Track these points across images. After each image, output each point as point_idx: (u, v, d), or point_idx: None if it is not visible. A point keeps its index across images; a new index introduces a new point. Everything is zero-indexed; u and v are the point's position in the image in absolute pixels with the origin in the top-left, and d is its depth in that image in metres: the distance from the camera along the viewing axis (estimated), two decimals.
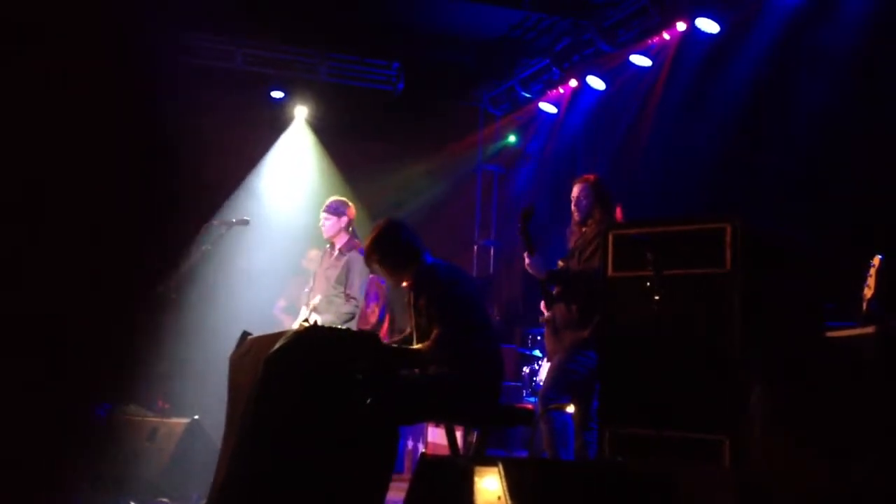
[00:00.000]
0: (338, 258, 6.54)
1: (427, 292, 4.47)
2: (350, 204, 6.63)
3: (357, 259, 6.40)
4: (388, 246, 4.62)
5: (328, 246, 6.66)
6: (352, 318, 6.33)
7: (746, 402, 3.79)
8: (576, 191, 5.47)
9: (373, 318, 7.90)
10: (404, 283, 4.75)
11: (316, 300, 6.59)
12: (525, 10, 8.37)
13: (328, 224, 6.53)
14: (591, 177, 5.52)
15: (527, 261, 5.27)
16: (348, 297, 6.37)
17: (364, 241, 6.56)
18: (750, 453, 3.74)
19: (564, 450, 5.11)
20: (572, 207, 5.48)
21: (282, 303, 7.48)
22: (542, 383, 5.98)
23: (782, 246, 4.39)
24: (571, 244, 5.47)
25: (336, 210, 6.53)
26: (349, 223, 6.54)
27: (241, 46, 9.05)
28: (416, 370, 4.58)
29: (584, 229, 5.39)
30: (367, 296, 7.73)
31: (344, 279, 6.40)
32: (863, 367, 3.73)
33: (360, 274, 6.41)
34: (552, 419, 5.11)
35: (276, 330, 5.77)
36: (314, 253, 8.13)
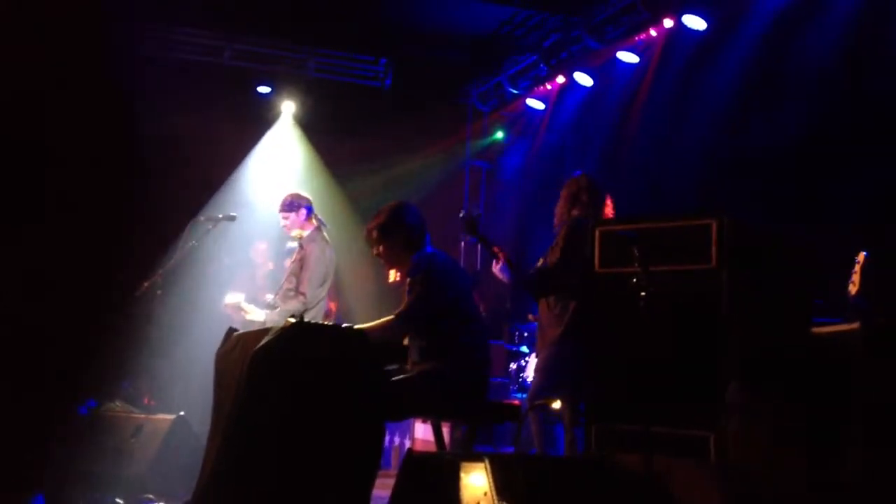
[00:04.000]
0: (299, 252, 6.38)
1: (421, 276, 4.49)
2: (304, 195, 6.43)
3: (312, 254, 6.23)
4: (393, 225, 4.64)
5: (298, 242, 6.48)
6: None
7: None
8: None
9: (331, 317, 7.83)
10: (398, 275, 4.76)
11: (270, 297, 6.51)
12: (515, 6, 8.38)
13: (288, 222, 6.35)
14: (571, 181, 5.51)
15: (494, 267, 5.32)
16: (297, 293, 6.18)
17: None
18: (731, 448, 3.75)
19: (553, 446, 5.12)
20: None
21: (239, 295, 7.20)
22: (528, 379, 5.98)
23: (769, 242, 4.40)
24: None
25: (291, 205, 6.34)
26: (309, 213, 6.35)
27: (228, 42, 9.01)
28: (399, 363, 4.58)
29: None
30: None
31: (298, 273, 6.24)
32: (847, 362, 3.73)
33: (315, 269, 6.21)
34: (540, 415, 5.12)
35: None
36: (262, 246, 8.05)
